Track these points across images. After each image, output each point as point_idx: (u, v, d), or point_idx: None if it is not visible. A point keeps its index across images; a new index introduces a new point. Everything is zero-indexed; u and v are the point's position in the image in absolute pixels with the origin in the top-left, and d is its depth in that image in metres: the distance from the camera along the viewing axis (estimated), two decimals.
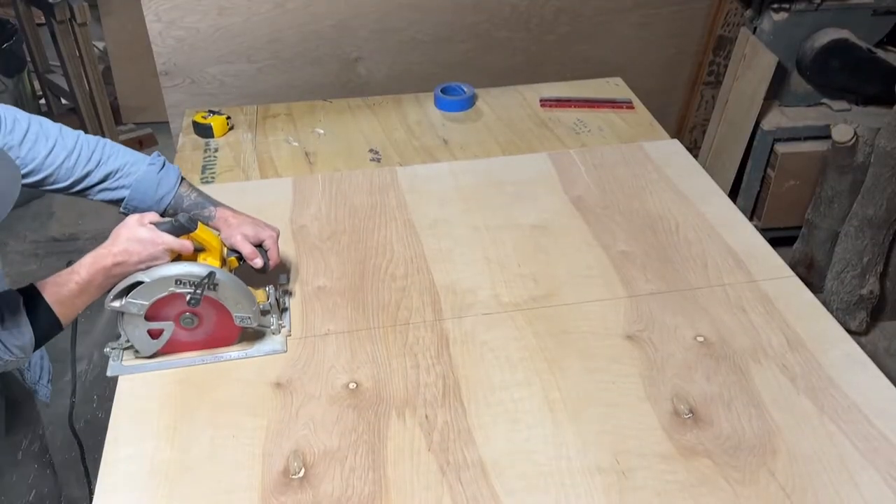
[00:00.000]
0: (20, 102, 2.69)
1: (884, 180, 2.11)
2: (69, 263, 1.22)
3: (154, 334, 1.29)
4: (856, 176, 2.22)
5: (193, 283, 1.22)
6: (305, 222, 1.65)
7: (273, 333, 1.36)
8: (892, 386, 1.27)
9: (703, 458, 1.15)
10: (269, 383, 1.28)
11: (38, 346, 1.18)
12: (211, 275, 1.22)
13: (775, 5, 2.33)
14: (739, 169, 2.54)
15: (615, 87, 2.21)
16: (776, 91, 2.43)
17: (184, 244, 1.23)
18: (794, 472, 1.13)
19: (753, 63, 2.37)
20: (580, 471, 1.13)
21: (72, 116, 3.07)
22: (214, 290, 1.24)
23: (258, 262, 1.34)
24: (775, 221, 2.52)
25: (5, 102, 2.60)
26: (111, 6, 3.01)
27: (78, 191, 1.31)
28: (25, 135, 1.24)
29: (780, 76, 2.38)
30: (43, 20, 2.96)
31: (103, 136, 2.95)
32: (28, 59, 2.90)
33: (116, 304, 1.23)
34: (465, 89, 2.12)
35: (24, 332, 1.15)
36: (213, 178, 1.85)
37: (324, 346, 1.35)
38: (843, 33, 2.32)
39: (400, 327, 1.39)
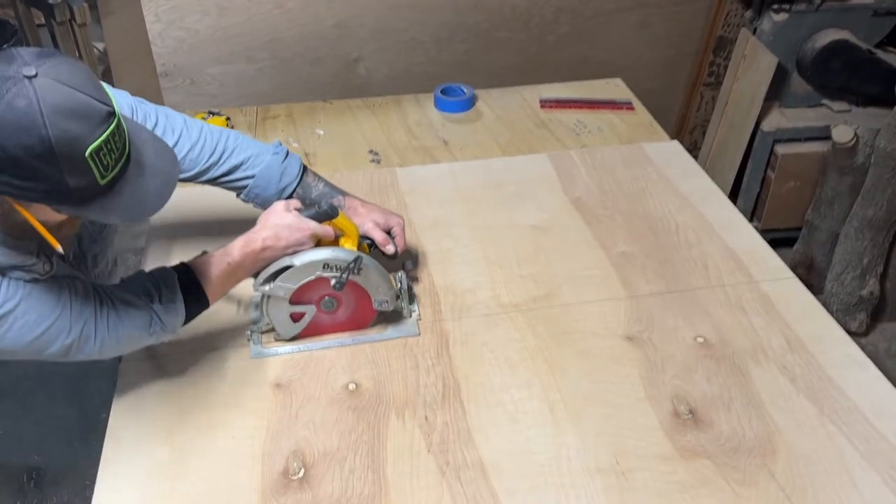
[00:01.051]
0: None
1: (884, 181, 2.11)
2: (204, 252, 1.27)
3: (296, 317, 1.33)
4: (856, 177, 2.22)
5: (340, 267, 1.27)
6: None
7: (406, 317, 1.39)
8: (892, 387, 1.27)
9: (703, 459, 1.15)
10: (269, 384, 1.28)
11: (185, 323, 1.22)
12: (358, 259, 1.27)
13: (775, 6, 2.33)
14: (739, 170, 2.54)
15: (615, 88, 2.21)
16: (776, 92, 2.43)
17: (327, 230, 1.28)
18: (793, 472, 1.13)
19: (753, 64, 2.37)
20: (580, 471, 1.13)
21: None
22: (358, 274, 1.28)
23: (390, 249, 1.37)
24: (775, 222, 2.52)
25: None
26: (111, 7, 3.01)
27: (202, 181, 1.36)
28: (154, 128, 1.27)
29: (780, 77, 2.38)
30: (43, 21, 2.95)
31: None
32: None
33: (266, 287, 1.27)
34: (465, 90, 2.12)
35: (178, 310, 1.19)
36: None
37: (324, 346, 1.35)
38: (843, 34, 2.32)
39: None
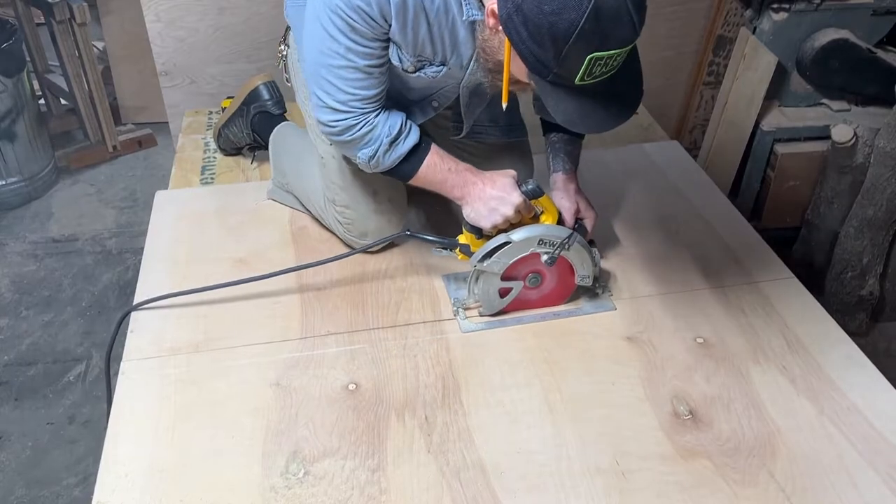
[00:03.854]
0: (19, 102, 2.69)
1: (883, 181, 2.11)
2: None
3: (503, 293, 1.38)
4: (855, 176, 2.22)
5: (553, 243, 1.32)
6: (305, 223, 1.65)
7: (599, 294, 1.44)
8: (891, 387, 1.27)
9: (703, 460, 1.15)
10: (269, 383, 1.28)
11: (378, 171, 1.35)
12: (571, 236, 1.33)
13: (775, 5, 2.33)
14: (739, 169, 2.53)
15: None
16: (776, 91, 2.43)
17: (530, 208, 1.34)
18: (793, 473, 1.13)
19: (753, 63, 2.37)
20: (580, 472, 1.13)
21: (71, 116, 3.07)
22: (568, 250, 1.33)
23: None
24: (775, 222, 2.52)
25: (4, 102, 2.61)
26: (111, 6, 3.00)
27: None
28: None
29: (779, 76, 2.38)
30: (42, 20, 2.95)
31: (102, 136, 2.97)
32: (27, 59, 2.90)
33: (484, 263, 1.32)
34: None
35: (388, 163, 1.32)
36: (212, 178, 1.85)
37: (324, 346, 1.35)
38: (843, 33, 2.31)
39: (399, 328, 1.39)
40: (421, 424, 1.21)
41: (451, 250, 1.40)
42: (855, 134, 2.16)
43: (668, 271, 1.52)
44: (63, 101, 3.13)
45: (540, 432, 1.20)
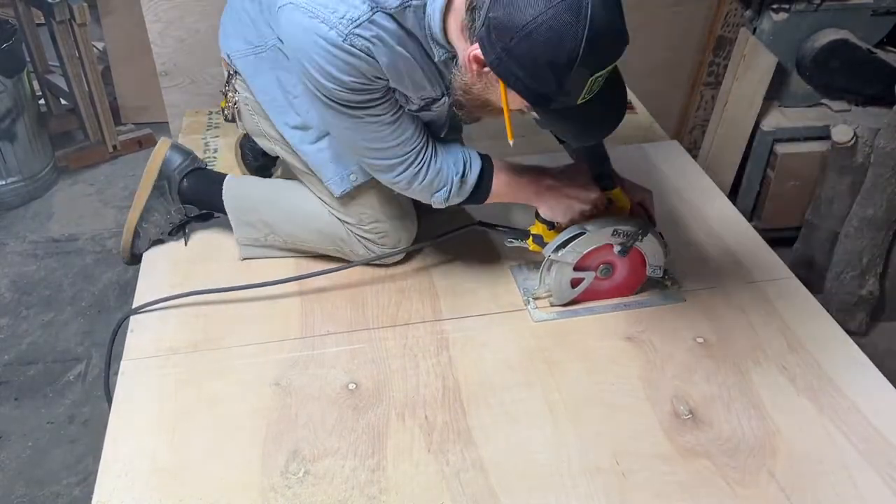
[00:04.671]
0: (19, 103, 2.69)
1: (883, 181, 2.11)
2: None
3: (574, 283, 1.40)
4: (855, 176, 2.22)
5: (627, 234, 1.34)
6: None
7: (668, 286, 1.46)
8: (891, 387, 1.27)
9: (703, 459, 1.15)
10: (269, 383, 1.28)
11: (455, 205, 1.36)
12: (645, 226, 1.35)
13: (775, 6, 2.33)
14: (739, 169, 2.53)
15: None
16: (776, 91, 2.43)
17: (603, 200, 1.36)
18: (793, 472, 1.13)
19: (753, 63, 2.37)
20: (580, 471, 1.13)
21: (71, 117, 3.07)
22: (641, 241, 1.35)
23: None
24: (775, 222, 2.52)
25: (4, 102, 2.61)
26: (111, 6, 3.00)
27: None
28: None
29: (779, 77, 2.38)
30: (42, 20, 2.95)
31: (102, 136, 2.96)
32: (27, 59, 2.90)
33: (558, 253, 1.34)
34: None
35: (464, 193, 1.33)
36: None
37: (323, 346, 1.35)
38: (843, 34, 2.31)
39: (399, 328, 1.39)
40: (421, 424, 1.21)
41: (522, 240, 1.42)
42: (855, 134, 2.16)
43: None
44: (63, 101, 3.12)
45: (540, 432, 1.20)
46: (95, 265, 2.47)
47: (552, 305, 1.42)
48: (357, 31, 1.09)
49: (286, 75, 1.35)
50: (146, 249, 1.57)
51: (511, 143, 1.11)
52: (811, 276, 2.38)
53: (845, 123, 2.22)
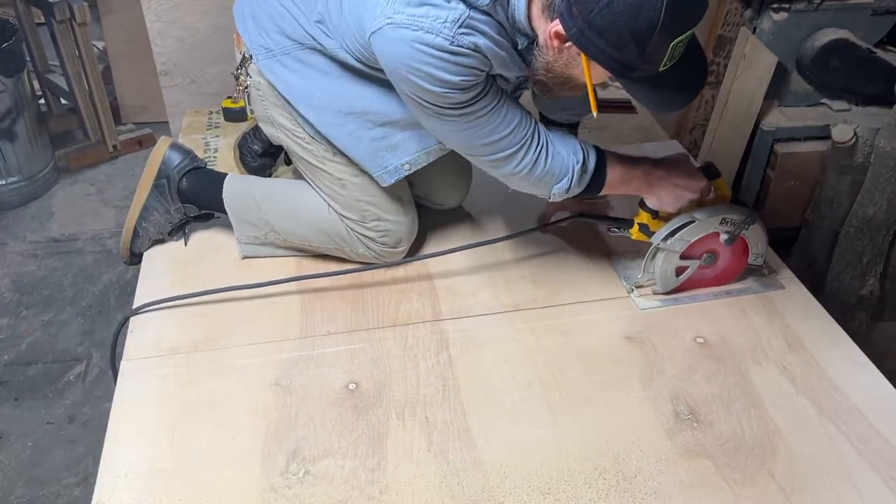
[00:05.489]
0: (20, 102, 2.68)
1: (883, 181, 2.11)
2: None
3: (678, 271, 1.42)
4: (855, 176, 2.22)
5: (735, 222, 1.36)
6: None
7: (765, 273, 1.48)
8: (892, 387, 1.27)
9: (703, 459, 1.15)
10: (269, 383, 1.28)
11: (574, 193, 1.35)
12: (753, 215, 1.37)
13: (775, 5, 2.33)
14: (739, 169, 2.53)
15: (614, 88, 2.20)
16: (776, 91, 2.43)
17: (710, 189, 1.38)
18: (793, 472, 1.13)
19: (753, 63, 2.37)
20: (580, 471, 1.13)
21: (71, 116, 3.07)
22: (747, 229, 1.37)
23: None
24: (775, 221, 2.51)
25: (4, 102, 2.60)
26: (111, 6, 3.00)
27: None
28: None
29: (779, 76, 2.37)
30: (42, 20, 2.95)
31: (103, 136, 2.97)
32: (28, 58, 2.90)
33: (667, 242, 1.37)
34: None
35: (584, 181, 1.32)
36: None
37: (323, 346, 1.35)
38: (843, 33, 2.31)
39: (399, 328, 1.39)
40: (421, 424, 1.21)
41: (626, 230, 1.43)
42: (855, 134, 2.16)
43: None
44: (63, 101, 3.12)
45: (540, 432, 1.20)
46: (95, 265, 2.47)
47: (654, 294, 1.44)
48: (461, 30, 1.12)
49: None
50: (146, 249, 1.57)
51: (595, 115, 1.14)
52: (811, 276, 2.38)
53: (845, 123, 2.22)
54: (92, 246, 2.55)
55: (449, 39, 1.11)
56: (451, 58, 1.13)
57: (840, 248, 2.29)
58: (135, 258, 1.58)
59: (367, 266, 1.50)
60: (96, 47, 3.04)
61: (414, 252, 1.56)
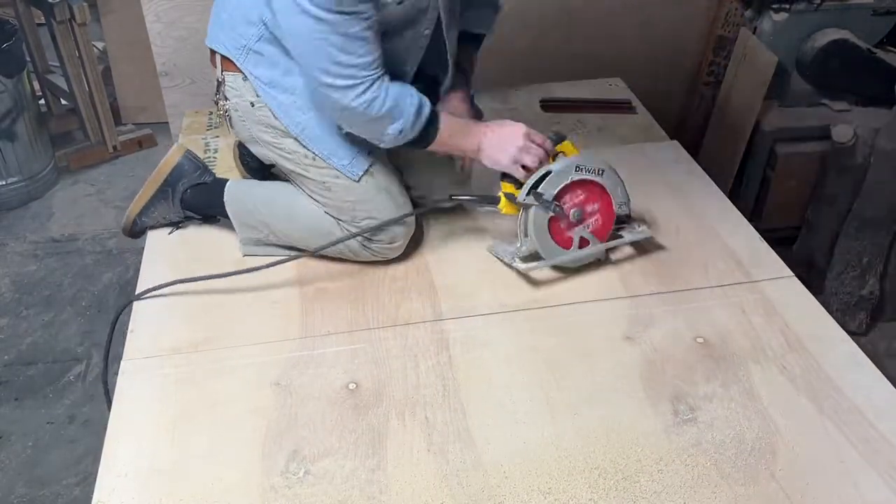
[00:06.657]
0: (19, 103, 2.69)
1: (883, 181, 2.11)
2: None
3: (554, 232, 1.47)
4: (855, 176, 2.22)
5: (589, 169, 1.44)
6: None
7: (634, 226, 1.56)
8: (892, 387, 1.27)
9: (703, 459, 1.15)
10: (269, 383, 1.28)
11: (400, 144, 1.39)
12: (603, 161, 1.46)
13: (775, 5, 2.33)
14: (739, 170, 2.53)
15: (615, 88, 2.20)
16: (776, 91, 2.43)
17: (545, 139, 1.45)
18: (793, 472, 1.13)
19: (753, 63, 2.37)
20: (580, 471, 1.13)
21: (71, 117, 3.07)
22: (602, 175, 1.46)
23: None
24: (775, 222, 2.51)
25: (4, 103, 2.61)
26: (111, 6, 3.01)
27: None
28: None
29: (780, 76, 2.38)
30: (43, 20, 2.96)
31: (103, 136, 2.97)
32: (28, 59, 2.90)
33: (529, 198, 1.42)
34: None
35: (417, 129, 1.36)
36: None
37: (324, 346, 1.35)
38: (843, 33, 2.31)
39: (400, 328, 1.39)
40: (421, 424, 1.21)
41: (494, 204, 1.47)
42: (855, 134, 2.16)
43: (667, 271, 1.52)
44: (63, 101, 3.13)
45: (540, 432, 1.19)
46: (95, 265, 2.47)
47: (538, 262, 1.48)
48: None
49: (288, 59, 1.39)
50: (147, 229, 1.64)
51: None
52: (811, 275, 2.38)
53: (845, 123, 2.22)
54: (92, 246, 2.55)
55: None
56: None
57: (840, 248, 2.29)
58: (135, 235, 1.65)
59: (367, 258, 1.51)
60: (96, 48, 3.04)
61: (413, 249, 1.56)
